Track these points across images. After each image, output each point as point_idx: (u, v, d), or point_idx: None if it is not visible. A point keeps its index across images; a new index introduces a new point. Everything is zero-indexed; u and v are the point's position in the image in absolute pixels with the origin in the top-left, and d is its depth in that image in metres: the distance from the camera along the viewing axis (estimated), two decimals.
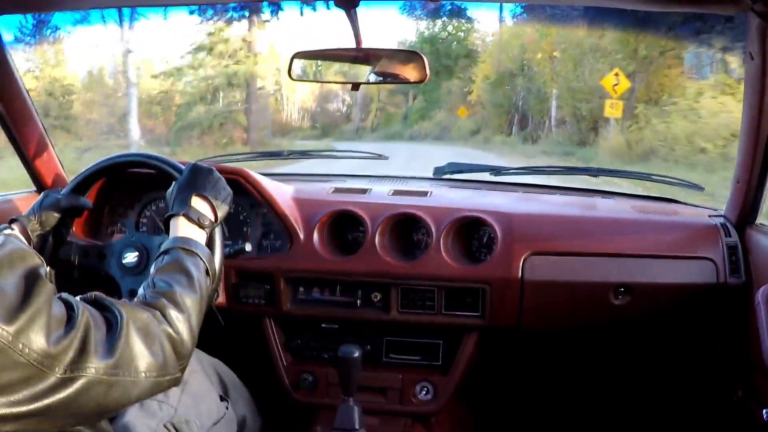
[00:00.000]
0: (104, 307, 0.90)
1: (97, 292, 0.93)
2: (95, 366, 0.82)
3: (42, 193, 1.34)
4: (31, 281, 0.78)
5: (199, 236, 1.19)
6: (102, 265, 1.43)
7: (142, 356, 0.89)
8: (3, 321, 0.73)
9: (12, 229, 1.24)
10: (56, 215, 1.31)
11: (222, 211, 1.26)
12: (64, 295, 0.86)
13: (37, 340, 0.76)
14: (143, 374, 0.89)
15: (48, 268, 0.83)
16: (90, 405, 0.84)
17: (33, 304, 0.77)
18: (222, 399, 1.38)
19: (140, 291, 1.03)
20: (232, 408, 1.39)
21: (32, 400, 0.77)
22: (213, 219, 1.23)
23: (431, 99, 22.51)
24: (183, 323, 0.99)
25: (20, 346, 0.75)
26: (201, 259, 1.14)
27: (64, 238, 1.38)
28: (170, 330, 0.96)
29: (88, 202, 1.39)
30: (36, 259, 0.83)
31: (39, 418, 0.79)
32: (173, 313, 0.99)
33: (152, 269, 1.10)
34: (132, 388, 0.88)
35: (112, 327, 0.87)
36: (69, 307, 0.83)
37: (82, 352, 0.81)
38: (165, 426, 1.20)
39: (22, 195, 1.75)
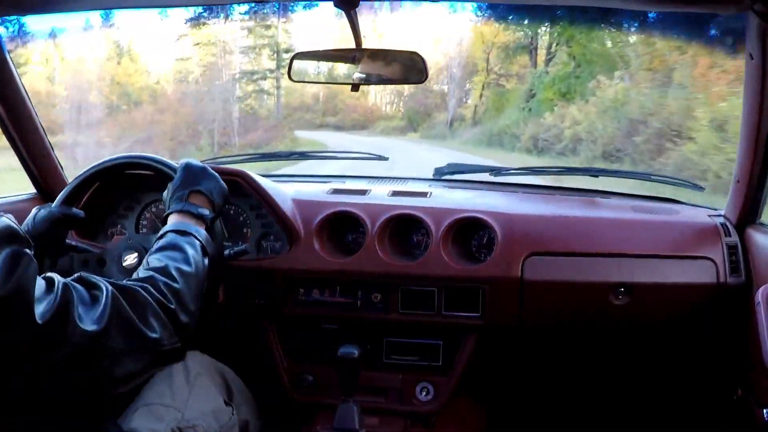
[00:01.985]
0: (90, 284, 0.92)
1: (82, 272, 0.95)
2: (80, 334, 0.83)
3: (34, 208, 1.34)
4: (17, 259, 0.80)
5: (198, 225, 1.21)
6: (103, 272, 1.42)
7: (131, 328, 0.90)
8: None
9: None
10: (50, 228, 1.32)
11: (219, 203, 1.27)
12: (48, 273, 0.88)
13: (24, 312, 0.79)
14: (135, 346, 0.90)
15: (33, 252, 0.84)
16: (83, 375, 0.86)
17: (19, 279, 0.79)
18: (227, 404, 1.38)
19: (133, 274, 1.05)
20: (235, 413, 1.39)
21: (21, 366, 0.80)
22: (211, 211, 1.25)
23: (585, 54, 11.07)
24: (176, 294, 0.99)
25: (8, 317, 0.77)
26: (196, 238, 1.14)
27: (62, 249, 1.39)
28: (162, 300, 0.97)
29: (80, 213, 1.39)
30: (23, 239, 0.84)
31: (34, 387, 0.81)
32: (165, 285, 0.99)
33: (147, 254, 1.11)
34: (124, 360, 0.89)
35: (98, 299, 0.89)
36: (49, 281, 0.85)
37: (66, 321, 0.83)
38: (173, 430, 1.20)
39: (23, 197, 1.75)
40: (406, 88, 15.07)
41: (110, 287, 0.91)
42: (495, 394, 1.89)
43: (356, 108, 16.82)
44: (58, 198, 1.41)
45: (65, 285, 0.86)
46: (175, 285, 1.00)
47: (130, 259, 1.41)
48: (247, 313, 1.63)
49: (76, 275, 0.94)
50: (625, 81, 9.76)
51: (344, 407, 1.44)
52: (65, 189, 1.42)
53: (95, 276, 0.94)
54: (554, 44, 12.64)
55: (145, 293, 0.95)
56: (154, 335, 0.92)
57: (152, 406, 1.21)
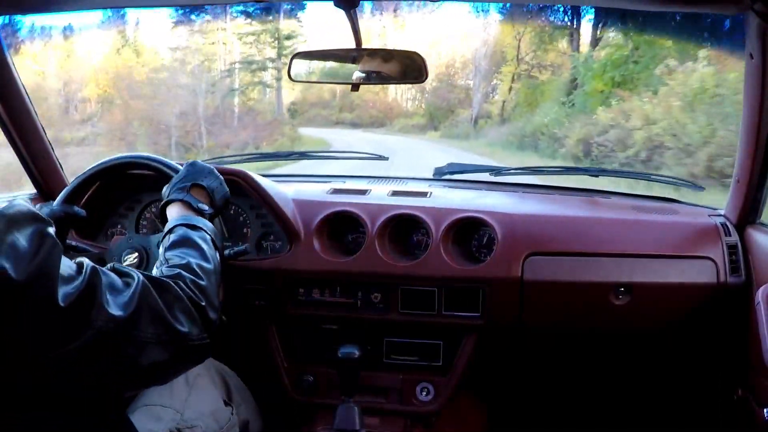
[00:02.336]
0: (123, 273, 0.91)
1: (115, 263, 0.95)
2: (104, 319, 0.83)
3: (36, 207, 1.34)
4: (41, 239, 0.80)
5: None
6: None
7: (159, 319, 0.89)
8: (16, 274, 0.75)
9: None
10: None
11: (219, 203, 1.27)
12: (79, 258, 0.88)
13: (47, 294, 0.78)
14: (163, 337, 0.89)
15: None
16: (104, 359, 0.85)
17: (44, 261, 0.78)
18: (226, 404, 1.37)
19: (154, 271, 1.04)
20: (235, 413, 1.39)
21: (45, 349, 0.79)
22: (210, 207, 1.23)
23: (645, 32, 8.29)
24: (204, 291, 0.99)
25: (33, 298, 0.77)
26: (206, 233, 1.14)
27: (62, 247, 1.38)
28: (194, 296, 0.96)
29: (81, 211, 1.39)
30: (45, 220, 0.84)
31: (58, 370, 0.80)
32: (193, 282, 0.99)
33: (161, 249, 1.10)
34: (149, 350, 0.88)
35: (129, 285, 0.88)
36: (79, 265, 0.85)
37: (91, 305, 0.82)
38: (171, 431, 1.20)
39: (23, 197, 1.75)
40: (429, 83, 14.04)
41: (142, 277, 0.91)
42: (495, 394, 1.89)
43: (375, 103, 15.85)
44: (59, 196, 1.41)
45: (93, 268, 0.86)
46: (202, 282, 1.00)
47: (130, 259, 1.41)
48: (247, 313, 1.63)
49: (109, 265, 0.94)
50: (707, 65, 7.10)
51: (344, 407, 1.44)
52: (67, 187, 1.42)
53: (128, 267, 0.94)
54: (602, 24, 9.82)
55: (177, 288, 0.95)
56: (183, 329, 0.92)
57: (152, 407, 1.20)
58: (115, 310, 0.84)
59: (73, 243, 1.45)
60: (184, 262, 1.03)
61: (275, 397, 1.66)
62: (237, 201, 1.68)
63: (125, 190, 1.72)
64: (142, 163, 1.42)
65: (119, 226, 1.73)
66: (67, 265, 0.83)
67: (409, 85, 13.03)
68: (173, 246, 1.09)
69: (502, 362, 1.78)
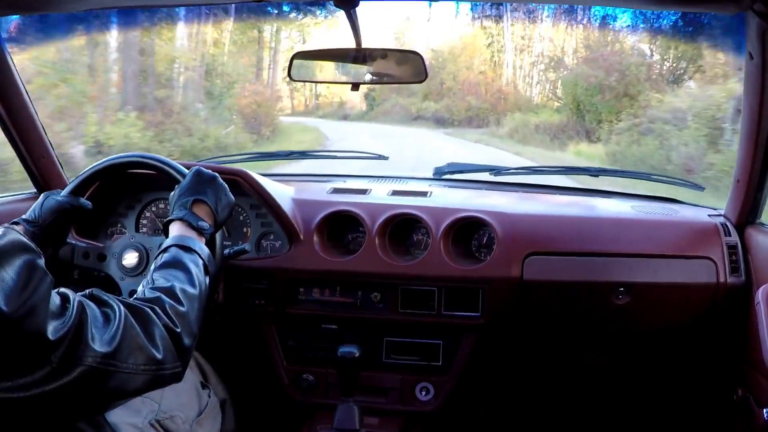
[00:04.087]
0: (102, 302, 0.91)
1: (95, 289, 0.94)
2: (92, 355, 0.83)
3: (42, 195, 1.34)
4: (30, 271, 0.79)
5: (199, 239, 1.20)
6: (102, 267, 1.43)
7: (139, 348, 0.89)
8: (4, 308, 0.74)
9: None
10: (57, 216, 1.31)
11: (221, 217, 1.26)
12: (62, 288, 0.86)
13: (37, 329, 0.77)
14: (141, 367, 0.89)
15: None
16: (87, 395, 0.85)
17: (33, 294, 0.78)
18: (204, 386, 1.38)
19: (139, 288, 1.04)
20: (213, 393, 1.39)
21: (30, 386, 0.78)
22: (212, 224, 1.23)
23: None
24: (182, 317, 0.99)
25: (20, 333, 0.76)
26: (199, 256, 1.14)
27: (65, 239, 1.38)
28: (169, 323, 0.96)
29: (88, 203, 1.39)
30: (35, 251, 0.83)
31: (37, 407, 0.80)
32: (172, 308, 0.99)
33: (151, 268, 1.10)
34: (129, 380, 0.88)
35: (110, 319, 0.88)
36: (65, 298, 0.84)
37: (78, 341, 0.82)
38: (151, 424, 1.20)
39: (23, 196, 1.75)
40: (577, 56, 9.65)
41: (122, 307, 0.91)
42: (495, 393, 1.89)
43: (475, 88, 10.13)
44: (67, 188, 1.40)
45: (80, 304, 0.85)
46: (181, 308, 1.00)
47: (130, 258, 1.41)
48: (247, 313, 1.63)
49: (87, 291, 0.93)
50: None
51: (344, 407, 1.44)
52: (74, 180, 1.41)
53: (106, 294, 0.93)
54: None
55: (155, 316, 0.95)
56: (159, 356, 0.92)
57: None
58: (101, 347, 0.84)
59: (73, 242, 1.45)
60: (167, 285, 1.03)
61: (275, 397, 1.66)
62: (237, 201, 1.68)
63: (126, 190, 1.72)
64: (148, 164, 1.41)
65: (119, 225, 1.73)
66: (54, 298, 0.82)
67: (535, 65, 10.46)
68: (162, 266, 1.09)
69: (501, 362, 1.78)
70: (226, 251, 1.44)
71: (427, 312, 1.56)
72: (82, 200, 1.38)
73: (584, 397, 1.86)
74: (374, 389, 1.62)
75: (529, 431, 1.91)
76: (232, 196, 1.31)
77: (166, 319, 0.96)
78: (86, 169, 1.43)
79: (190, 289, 1.05)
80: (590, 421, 1.86)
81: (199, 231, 1.20)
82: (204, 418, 1.32)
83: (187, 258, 1.12)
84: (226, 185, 1.31)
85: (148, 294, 1.01)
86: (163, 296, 1.00)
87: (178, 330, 0.97)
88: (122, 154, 1.44)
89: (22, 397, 0.77)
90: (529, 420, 1.90)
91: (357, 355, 1.45)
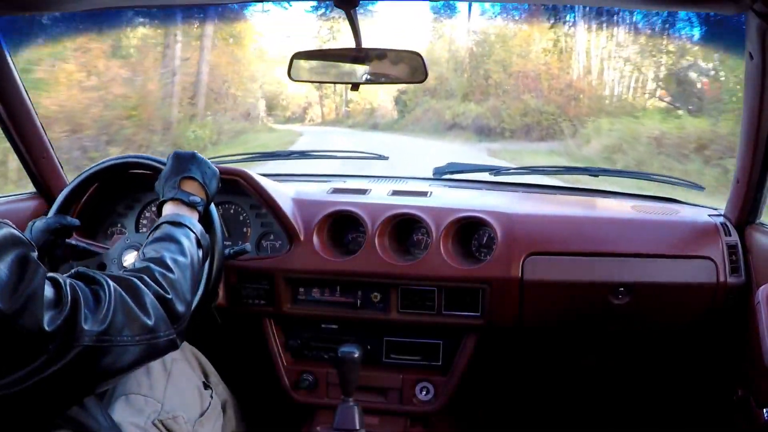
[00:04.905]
0: (91, 280, 0.91)
1: (80, 267, 0.94)
2: (86, 336, 0.83)
3: (29, 223, 1.35)
4: (23, 265, 0.79)
5: (192, 215, 1.21)
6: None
7: (132, 320, 0.90)
8: (2, 305, 0.74)
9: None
10: (48, 237, 1.33)
11: (212, 189, 1.29)
12: (50, 274, 0.86)
13: (33, 322, 0.78)
14: (136, 338, 0.90)
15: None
16: (83, 374, 0.85)
17: (27, 288, 0.78)
18: (206, 386, 1.38)
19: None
20: (214, 394, 1.39)
21: (25, 378, 0.79)
22: (204, 197, 1.26)
23: None
24: (172, 284, 0.99)
25: (17, 329, 0.76)
26: (191, 230, 1.15)
27: (60, 256, 1.39)
28: (159, 290, 0.96)
29: (75, 221, 1.40)
30: (28, 243, 0.83)
31: (32, 395, 0.80)
32: (162, 275, 0.99)
33: (144, 245, 1.11)
34: (124, 353, 0.89)
35: (100, 297, 0.88)
36: (57, 286, 0.85)
37: (73, 326, 0.82)
38: (154, 424, 1.20)
39: (22, 196, 1.75)
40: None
41: (110, 281, 0.91)
42: (495, 393, 1.89)
43: (535, 85, 7.63)
44: (52, 208, 1.43)
45: (73, 288, 0.86)
46: (171, 275, 1.00)
47: (131, 258, 1.41)
48: (248, 314, 1.63)
49: (74, 270, 0.93)
50: None
51: (344, 407, 1.44)
52: (59, 198, 1.44)
53: (92, 270, 0.94)
54: None
55: (141, 283, 0.95)
56: (150, 323, 0.92)
57: (131, 397, 1.21)
58: (94, 326, 0.85)
59: (74, 242, 1.45)
60: (157, 255, 1.04)
61: (275, 397, 1.66)
62: (237, 201, 1.68)
63: (125, 190, 1.73)
64: (129, 163, 1.43)
65: (119, 225, 1.74)
66: (47, 289, 0.82)
67: (619, 55, 8.54)
68: (153, 242, 1.10)
69: (501, 362, 1.78)
70: (227, 251, 1.44)
71: (427, 312, 1.56)
72: (69, 218, 1.40)
73: (584, 397, 1.86)
74: (374, 389, 1.62)
75: (529, 431, 1.91)
76: (215, 167, 1.32)
77: (156, 287, 0.96)
78: (70, 182, 1.45)
79: (181, 258, 1.06)
80: (590, 421, 1.86)
81: (192, 206, 1.22)
82: (206, 418, 1.32)
83: (178, 232, 1.13)
84: (205, 158, 1.32)
85: (138, 265, 1.01)
86: (152, 265, 1.00)
87: (169, 296, 0.97)
88: (103, 161, 1.46)
89: (17, 390, 0.78)
90: (529, 420, 1.90)
91: (357, 355, 1.45)
